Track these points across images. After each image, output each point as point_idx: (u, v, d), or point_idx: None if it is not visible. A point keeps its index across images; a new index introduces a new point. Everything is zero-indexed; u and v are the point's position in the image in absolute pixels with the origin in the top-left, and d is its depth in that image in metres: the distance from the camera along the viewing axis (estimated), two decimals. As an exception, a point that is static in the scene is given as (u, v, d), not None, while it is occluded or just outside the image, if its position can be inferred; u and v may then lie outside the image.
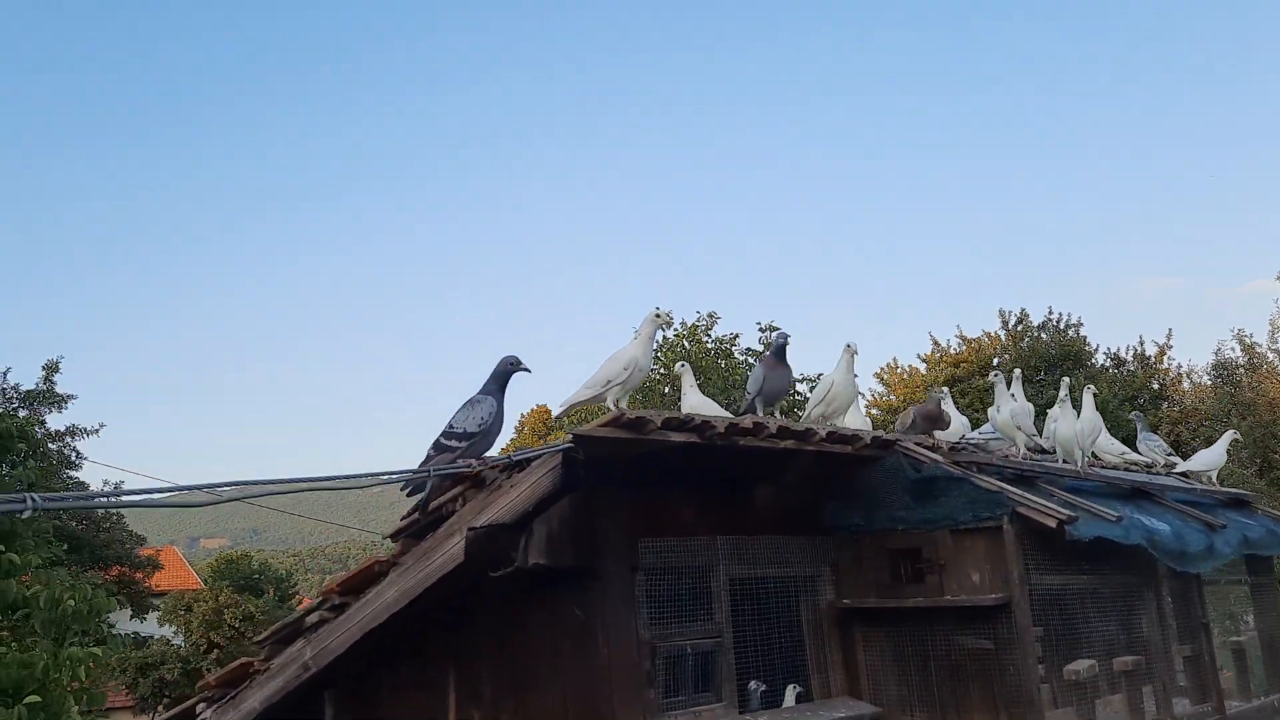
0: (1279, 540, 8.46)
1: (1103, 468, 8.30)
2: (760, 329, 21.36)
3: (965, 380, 26.20)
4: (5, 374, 20.54)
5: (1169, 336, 27.48)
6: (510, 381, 4.95)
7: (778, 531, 6.43)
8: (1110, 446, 8.70)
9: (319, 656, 5.84)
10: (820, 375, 21.41)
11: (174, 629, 30.12)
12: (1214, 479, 8.73)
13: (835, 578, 6.72)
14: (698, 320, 21.73)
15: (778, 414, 6.51)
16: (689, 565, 5.92)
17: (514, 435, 34.28)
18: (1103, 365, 26.61)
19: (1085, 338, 26.71)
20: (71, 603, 8.13)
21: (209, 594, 28.98)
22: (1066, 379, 8.34)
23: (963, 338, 28.05)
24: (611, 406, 5.35)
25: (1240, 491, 9.01)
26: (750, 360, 21.49)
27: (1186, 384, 26.79)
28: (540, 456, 5.11)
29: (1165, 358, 27.23)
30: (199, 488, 3.15)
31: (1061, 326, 26.85)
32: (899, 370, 28.52)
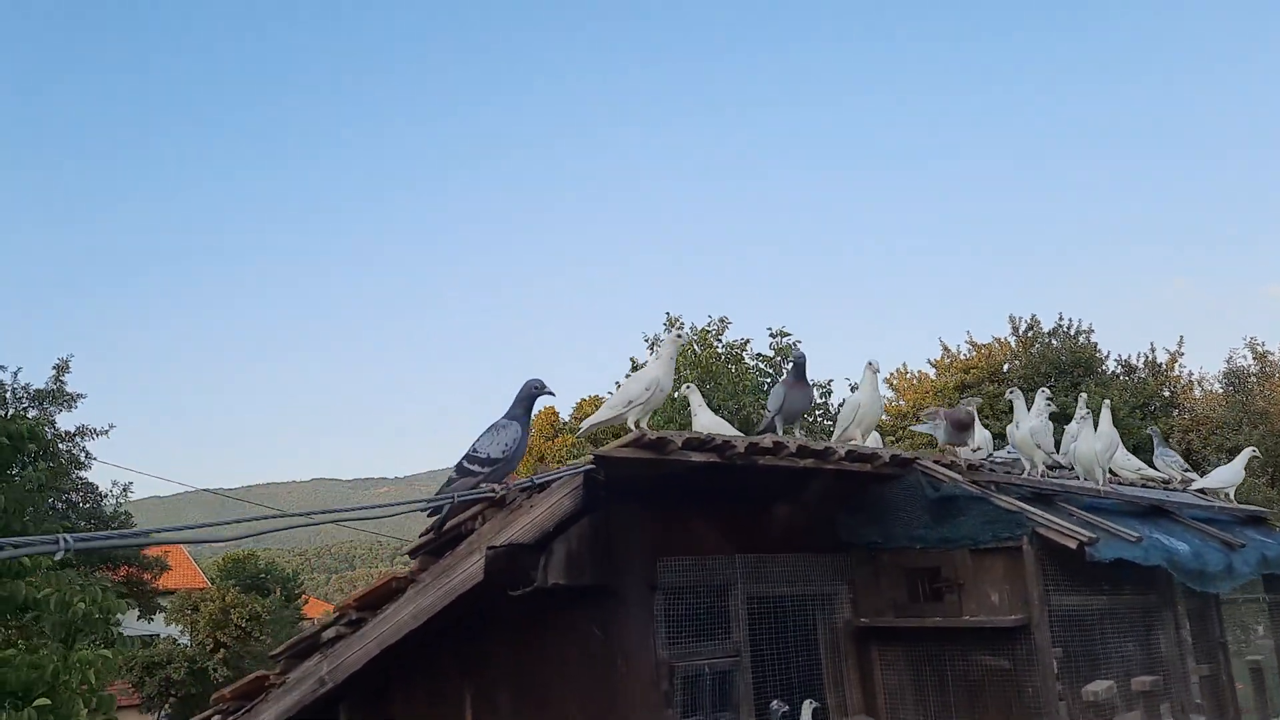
0: (1298, 559, 8.40)
1: (1120, 484, 8.26)
2: (771, 334, 21.35)
3: (975, 386, 26.12)
4: (16, 373, 20.57)
5: (1180, 343, 27.40)
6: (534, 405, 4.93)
7: (796, 549, 6.40)
8: (1127, 463, 8.65)
9: (335, 672, 5.81)
10: (830, 381, 21.43)
11: (180, 628, 30.19)
12: (1231, 496, 8.68)
13: (853, 596, 6.69)
14: (709, 325, 21.71)
15: (798, 432, 6.48)
16: (707, 584, 5.90)
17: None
18: (1114, 372, 26.52)
19: (1096, 344, 26.63)
20: (82, 605, 8.12)
21: (216, 593, 29.06)
22: (1084, 395, 8.29)
23: (973, 343, 27.97)
24: (632, 427, 5.33)
25: (1258, 509, 8.96)
26: (760, 365, 21.47)
27: (1198, 392, 26.71)
28: (561, 477, 5.09)
29: (1177, 365, 27.13)
30: (226, 523, 3.13)
31: (1072, 333, 26.76)
32: (909, 376, 28.45)
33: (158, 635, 30.94)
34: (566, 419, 33.25)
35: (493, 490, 4.71)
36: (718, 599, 5.99)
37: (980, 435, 7.89)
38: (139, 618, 27.32)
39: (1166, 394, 26.15)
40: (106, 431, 21.84)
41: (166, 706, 30.09)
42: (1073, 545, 5.95)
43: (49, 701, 7.61)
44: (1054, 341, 26.62)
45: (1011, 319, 27.57)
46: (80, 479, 21.82)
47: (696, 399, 7.19)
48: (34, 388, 20.64)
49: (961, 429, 6.96)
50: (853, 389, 21.65)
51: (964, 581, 6.28)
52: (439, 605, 5.37)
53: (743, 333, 22.14)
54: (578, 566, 5.29)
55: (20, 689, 7.73)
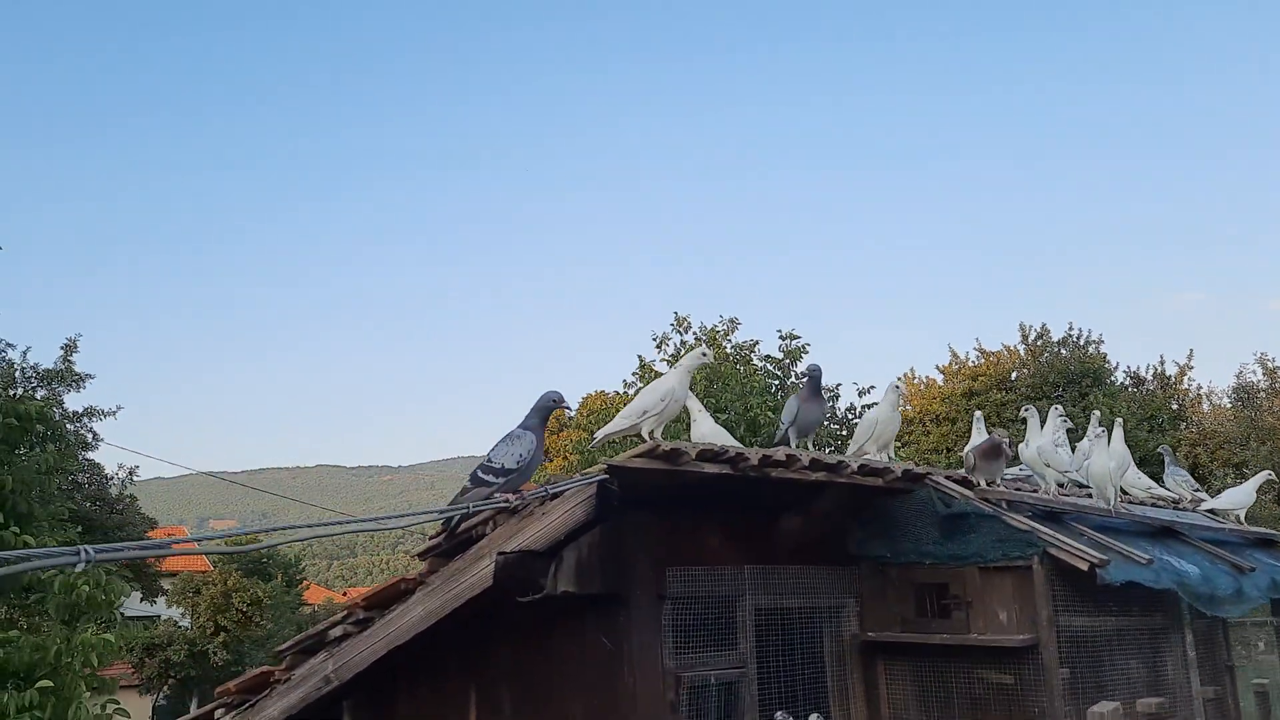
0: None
1: (1130, 502, 8.22)
2: (781, 337, 21.27)
3: (983, 394, 26.07)
4: (25, 353, 20.59)
5: (1190, 357, 27.30)
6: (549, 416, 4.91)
7: (804, 561, 6.39)
8: (1137, 481, 8.61)
9: (342, 670, 5.81)
10: (839, 385, 21.38)
11: (182, 611, 30.27)
12: (1241, 518, 8.64)
13: (860, 609, 6.68)
14: (718, 325, 21.66)
15: (810, 445, 6.46)
16: (715, 594, 5.89)
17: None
18: (1122, 384, 26.43)
19: (1105, 355, 26.54)
20: (85, 588, 8.14)
21: (218, 577, 29.11)
22: (1097, 413, 8.25)
23: (981, 350, 27.90)
24: (646, 437, 5.31)
25: (1269, 532, 8.91)
26: (769, 367, 21.41)
27: (1206, 406, 26.62)
28: (574, 486, 5.07)
29: (1186, 378, 27.04)
30: (244, 533, 3.13)
31: (1082, 343, 26.67)
32: (916, 381, 28.39)
33: (159, 617, 31.03)
34: (572, 414, 33.25)
35: (506, 500, 4.69)
36: (725, 609, 5.98)
37: (1064, 457, 7.60)
38: (141, 600, 27.41)
39: (1175, 407, 26.06)
40: (114, 413, 21.88)
41: (165, 688, 30.19)
42: (1084, 567, 5.92)
43: (51, 684, 7.63)
44: (1063, 351, 26.54)
45: (1021, 327, 27.53)
46: (87, 460, 21.85)
47: (695, 405, 7.13)
48: (42, 367, 20.67)
49: (990, 458, 6.85)
50: (860, 393, 21.70)
51: (972, 599, 6.26)
52: (448, 608, 5.37)
53: (751, 334, 22.09)
54: (587, 575, 5.28)
55: (23, 670, 7.76)
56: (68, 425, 20.18)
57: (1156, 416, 24.92)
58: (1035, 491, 7.18)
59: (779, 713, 6.11)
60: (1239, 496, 8.66)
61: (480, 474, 4.70)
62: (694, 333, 21.57)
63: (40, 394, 19.77)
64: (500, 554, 5.05)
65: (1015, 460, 7.67)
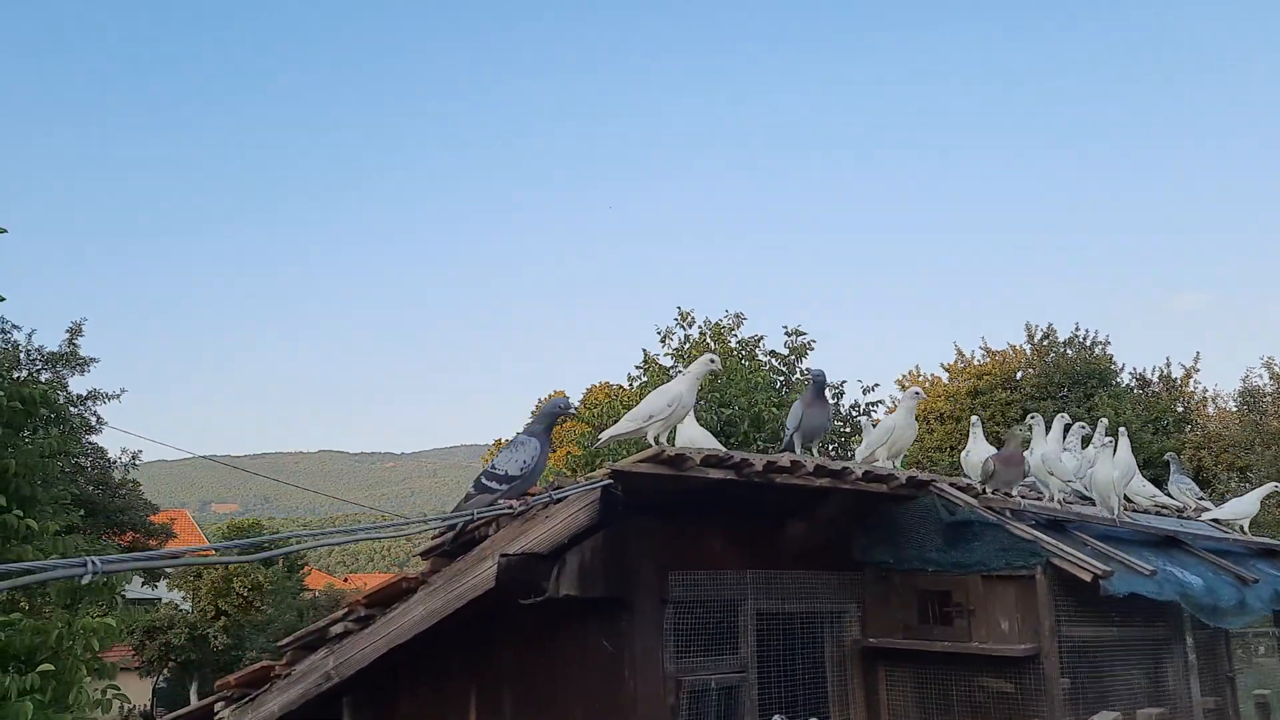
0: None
1: (1135, 510, 8.20)
2: (787, 333, 21.25)
3: (988, 393, 26.03)
4: (30, 335, 20.60)
5: (1196, 360, 27.24)
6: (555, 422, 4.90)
7: (807, 566, 6.38)
8: (1142, 489, 8.59)
9: (342, 667, 5.81)
10: (843, 383, 21.34)
11: (183, 594, 30.35)
12: (1245, 528, 8.62)
13: (862, 614, 6.67)
14: (723, 320, 21.63)
15: (815, 451, 6.44)
16: (717, 599, 5.89)
17: (530, 419, 34.26)
18: (1127, 385, 26.37)
19: (1111, 356, 26.48)
20: (93, 564, 8.14)
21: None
22: (1104, 420, 8.22)
23: (987, 349, 27.85)
24: (651, 441, 5.30)
25: (1274, 542, 8.88)
26: (773, 362, 21.39)
27: (1211, 409, 26.54)
28: (578, 491, 5.06)
29: (1191, 381, 26.97)
30: (246, 544, 3.12)
31: (1088, 344, 26.61)
32: (921, 378, 28.34)
33: (160, 600, 31.12)
34: (578, 402, 33.25)
35: (510, 506, 4.68)
36: (727, 614, 5.97)
37: (980, 452, 7.57)
38: (143, 583, 27.47)
39: (1180, 410, 25.99)
40: (118, 396, 21.92)
41: (166, 671, 30.29)
42: (1087, 578, 5.91)
43: (52, 667, 7.64)
44: (1069, 351, 26.48)
45: (1027, 326, 27.47)
46: (90, 443, 21.88)
47: None
48: (47, 350, 20.69)
49: (1012, 465, 6.77)
50: (864, 390, 21.67)
51: (975, 607, 6.24)
52: (450, 608, 5.35)
53: (756, 329, 22.06)
54: (590, 578, 5.27)
55: (24, 653, 7.76)
56: (71, 408, 20.21)
57: (1161, 419, 24.86)
58: (1040, 499, 7.16)
59: (777, 716, 6.11)
60: (1243, 507, 8.63)
61: (484, 480, 4.69)
62: (699, 327, 21.54)
63: (45, 376, 19.80)
64: (503, 556, 5.04)
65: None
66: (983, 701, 6.25)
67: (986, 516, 6.29)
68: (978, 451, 7.69)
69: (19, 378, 17.81)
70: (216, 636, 28.43)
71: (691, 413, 7.08)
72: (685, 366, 20.16)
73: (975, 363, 27.64)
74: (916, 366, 29.15)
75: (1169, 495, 9.10)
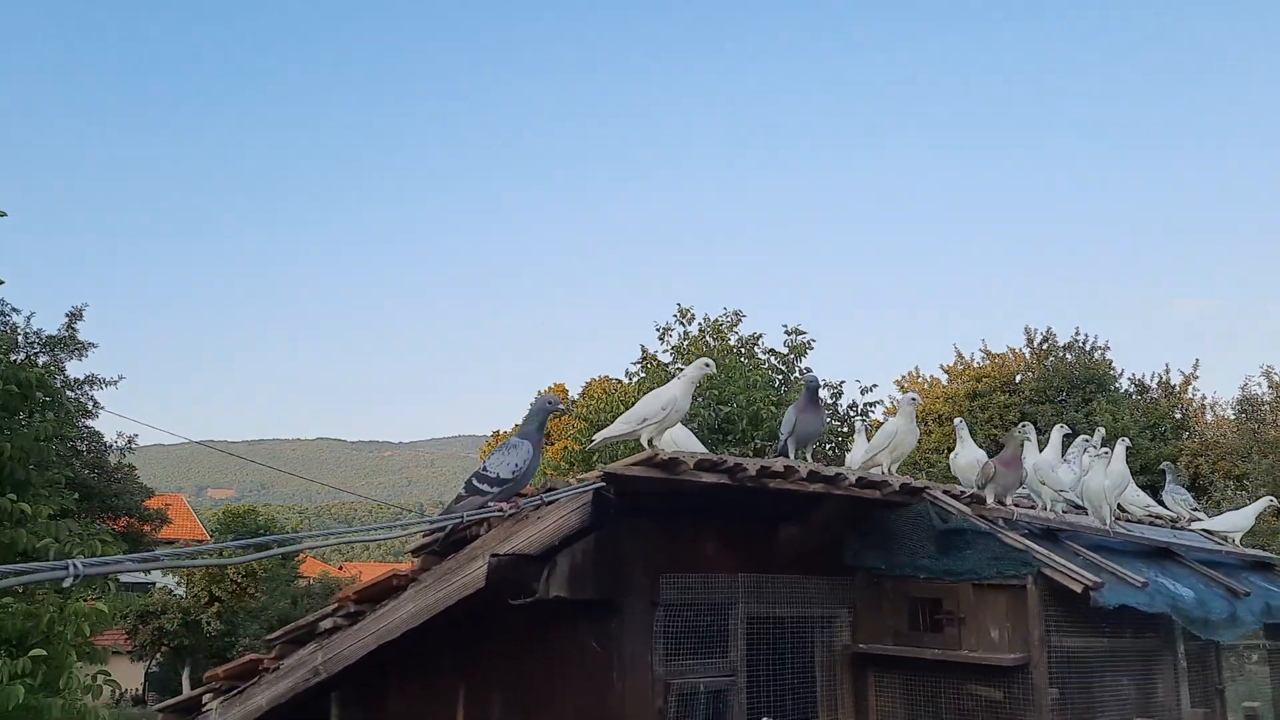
0: (1302, 608, 8.32)
1: (1129, 520, 8.19)
2: (786, 332, 21.24)
3: (986, 395, 26.03)
4: (29, 318, 20.56)
5: (1195, 366, 27.25)
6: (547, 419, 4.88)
7: (799, 571, 6.37)
8: (1136, 499, 8.56)
9: (330, 663, 5.81)
10: (841, 383, 21.33)
11: (177, 580, 30.37)
12: (1238, 541, 8.60)
13: (853, 619, 6.66)
14: (721, 317, 21.61)
15: (809, 455, 6.43)
16: (708, 602, 5.88)
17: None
18: (1126, 391, 26.37)
19: (1110, 361, 26.49)
20: (80, 556, 8.14)
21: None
22: (1100, 430, 8.20)
23: (987, 352, 27.85)
24: (645, 445, 5.28)
25: (1268, 555, 8.87)
26: (772, 361, 21.38)
27: (1210, 416, 26.54)
28: (570, 493, 5.05)
29: (1190, 387, 26.98)
30: (234, 545, 3.11)
31: (1087, 348, 26.61)
32: (920, 380, 28.34)
33: (154, 585, 31.14)
34: (576, 397, 33.25)
35: (500, 510, 4.67)
36: (718, 617, 5.96)
37: (970, 455, 7.56)
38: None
39: (1178, 416, 26.00)
40: (115, 382, 21.87)
41: (158, 655, 30.33)
42: (1078, 589, 5.90)
43: (44, 652, 7.63)
44: (1068, 356, 26.49)
45: (1027, 330, 27.48)
46: (86, 427, 21.86)
47: None
48: (46, 334, 20.65)
49: (1012, 468, 6.73)
50: (863, 391, 21.67)
51: (965, 615, 6.24)
52: (439, 606, 5.35)
53: (756, 328, 22.07)
54: (580, 580, 5.26)
55: (16, 638, 7.76)
56: (68, 392, 20.18)
57: (1159, 425, 24.87)
58: (1034, 509, 7.15)
59: (764, 718, 6.10)
60: (1238, 520, 8.62)
61: (475, 483, 4.68)
62: (698, 324, 21.54)
63: (42, 360, 19.76)
64: (493, 556, 5.03)
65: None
66: (972, 709, 6.24)
67: (979, 525, 6.27)
68: (966, 454, 7.66)
69: (17, 360, 17.78)
70: (210, 622, 28.47)
71: None
72: (685, 363, 20.16)
73: (975, 365, 27.64)
74: (916, 368, 29.20)
75: (1163, 505, 9.08)
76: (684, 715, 5.68)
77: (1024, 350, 27.42)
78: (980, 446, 8.03)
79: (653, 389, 6.96)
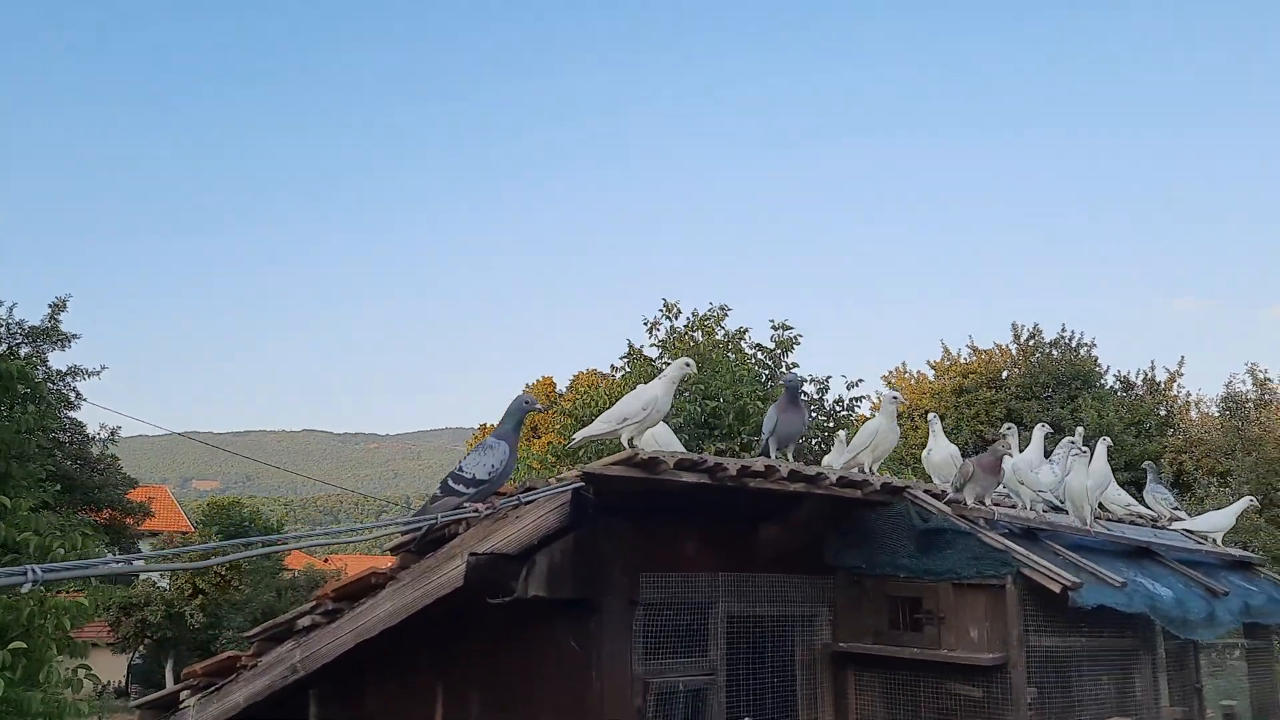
0: (1280, 608, 8.35)
1: (1109, 519, 8.20)
2: (773, 326, 21.20)
3: (973, 391, 26.09)
4: (11, 309, 20.41)
5: (1180, 364, 27.37)
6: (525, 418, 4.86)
7: (779, 570, 6.37)
8: (1117, 498, 8.58)
9: (308, 660, 5.79)
10: (828, 378, 21.33)
11: (160, 572, 30.22)
12: (1219, 541, 8.62)
13: (833, 618, 6.66)
14: (709, 311, 21.57)
15: (790, 455, 6.42)
16: (688, 601, 5.87)
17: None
18: (1111, 388, 26.47)
19: (1096, 358, 26.59)
20: (61, 550, 8.09)
21: (198, 539, 29.05)
22: (1080, 429, 8.22)
23: (974, 348, 27.91)
24: (625, 444, 5.27)
25: (1247, 554, 8.90)
26: (758, 355, 21.35)
27: (1194, 413, 26.66)
28: (549, 493, 5.03)
29: (1175, 385, 27.09)
30: (213, 547, 3.08)
31: (1073, 345, 26.70)
32: (907, 376, 28.39)
33: (137, 576, 30.98)
34: (564, 390, 33.19)
35: (476, 510, 4.65)
36: (697, 616, 5.95)
37: (944, 451, 7.53)
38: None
39: (1163, 413, 26.11)
40: (98, 373, 21.75)
41: (141, 647, 30.21)
42: (1056, 589, 5.90)
43: (24, 645, 7.59)
44: (1054, 352, 26.57)
45: (1014, 326, 27.56)
46: (69, 419, 21.73)
47: None
48: (28, 325, 20.51)
49: (991, 473, 6.72)
50: (849, 386, 21.65)
51: (945, 614, 6.24)
52: (417, 605, 5.33)
53: (743, 322, 22.05)
54: (559, 579, 5.24)
55: (-4, 631, 7.71)
56: (50, 384, 20.05)
57: (1144, 422, 24.96)
58: (1014, 508, 7.15)
59: (744, 717, 6.10)
60: (1219, 520, 8.65)
61: (450, 483, 4.66)
62: (685, 318, 21.49)
63: (24, 351, 19.64)
64: (472, 555, 5.00)
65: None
66: (951, 707, 6.25)
67: (959, 524, 6.27)
68: (939, 449, 7.64)
69: (-1, 352, 17.67)
70: (193, 615, 28.36)
71: None
72: (671, 358, 20.13)
73: (961, 361, 27.69)
74: (903, 363, 29.23)
75: (1145, 504, 9.10)
76: (663, 714, 5.67)
77: (1011, 346, 27.49)
78: (966, 443, 8.04)
79: (639, 384, 6.94)
